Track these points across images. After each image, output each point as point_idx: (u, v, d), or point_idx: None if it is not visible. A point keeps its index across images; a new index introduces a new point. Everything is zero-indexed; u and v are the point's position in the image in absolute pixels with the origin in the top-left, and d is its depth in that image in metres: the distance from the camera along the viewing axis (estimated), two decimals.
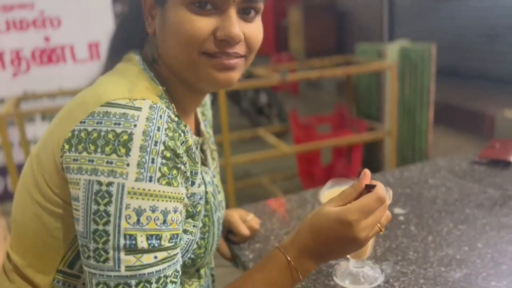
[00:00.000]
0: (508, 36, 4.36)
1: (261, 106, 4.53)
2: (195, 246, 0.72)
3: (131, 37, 0.74)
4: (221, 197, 0.83)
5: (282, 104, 4.34)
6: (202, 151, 0.81)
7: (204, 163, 0.80)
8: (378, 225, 0.65)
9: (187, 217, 0.69)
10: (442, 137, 3.90)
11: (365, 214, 0.63)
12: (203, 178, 0.73)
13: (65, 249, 0.66)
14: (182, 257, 0.69)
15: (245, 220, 0.97)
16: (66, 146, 0.59)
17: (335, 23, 6.92)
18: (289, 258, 0.66)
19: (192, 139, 0.68)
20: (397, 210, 1.04)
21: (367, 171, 0.69)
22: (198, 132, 0.83)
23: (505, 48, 4.41)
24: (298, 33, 7.13)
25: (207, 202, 0.73)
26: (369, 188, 0.65)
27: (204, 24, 0.64)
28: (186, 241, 0.69)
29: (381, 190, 0.65)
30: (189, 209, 0.69)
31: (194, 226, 0.70)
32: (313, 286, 0.80)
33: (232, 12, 0.64)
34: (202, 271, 0.81)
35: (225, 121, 2.47)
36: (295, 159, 3.18)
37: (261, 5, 0.68)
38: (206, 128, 0.87)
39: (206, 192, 0.73)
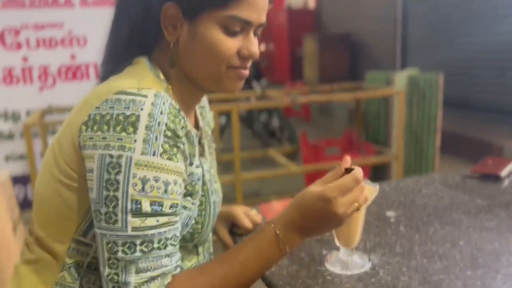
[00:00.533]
0: None
1: (273, 129, 4.65)
2: (193, 221, 0.82)
3: (141, 42, 0.81)
4: (217, 186, 0.94)
5: (293, 128, 4.46)
6: (201, 144, 0.92)
7: (202, 154, 0.91)
8: (356, 204, 0.74)
9: (186, 195, 0.80)
10: (450, 165, 3.95)
11: (342, 192, 0.73)
12: (201, 163, 0.84)
13: (80, 220, 0.77)
14: (182, 230, 0.79)
15: (248, 214, 1.07)
16: (83, 128, 0.71)
17: (350, 53, 7.08)
18: (277, 232, 0.75)
19: (191, 128, 0.79)
20: (389, 213, 1.13)
21: (347, 157, 0.79)
22: (197, 128, 0.94)
23: None
24: (312, 62, 7.30)
25: (204, 184, 0.84)
26: (348, 171, 0.75)
27: (233, 44, 0.77)
28: (186, 217, 0.80)
29: (358, 172, 0.74)
30: (189, 187, 0.80)
31: (192, 203, 0.81)
32: (307, 272, 0.88)
33: (252, 34, 0.79)
34: (200, 249, 0.91)
35: (237, 140, 2.59)
36: (304, 181, 3.26)
37: None
38: (204, 127, 0.99)
39: (203, 175, 0.84)
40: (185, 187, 0.79)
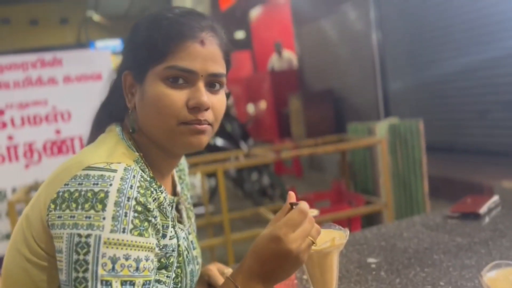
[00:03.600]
0: (496, 112, 4.56)
1: (265, 188, 4.64)
2: None
3: (112, 112, 0.87)
4: (196, 252, 0.92)
5: (284, 185, 4.45)
6: (178, 210, 0.91)
7: (179, 220, 0.90)
8: (310, 238, 0.72)
9: (160, 268, 0.77)
10: (441, 210, 3.93)
11: (291, 228, 0.70)
12: (176, 233, 0.83)
13: None
14: None
15: (222, 272, 1.04)
16: (52, 206, 0.70)
17: (333, 108, 7.24)
18: (238, 286, 0.71)
19: (165, 197, 0.79)
20: (370, 259, 1.11)
21: (291, 193, 0.78)
22: (174, 193, 0.93)
23: (495, 123, 4.59)
24: (298, 119, 7.44)
25: (179, 255, 0.82)
26: (294, 206, 0.74)
27: (178, 96, 0.77)
28: None
29: (303, 205, 0.73)
30: (163, 260, 0.78)
31: (167, 276, 0.79)
32: None
33: (201, 85, 0.78)
34: None
35: (224, 200, 2.58)
36: None
37: (224, 80, 0.82)
38: (183, 190, 0.98)
39: (179, 245, 0.82)
40: (159, 260, 0.77)
